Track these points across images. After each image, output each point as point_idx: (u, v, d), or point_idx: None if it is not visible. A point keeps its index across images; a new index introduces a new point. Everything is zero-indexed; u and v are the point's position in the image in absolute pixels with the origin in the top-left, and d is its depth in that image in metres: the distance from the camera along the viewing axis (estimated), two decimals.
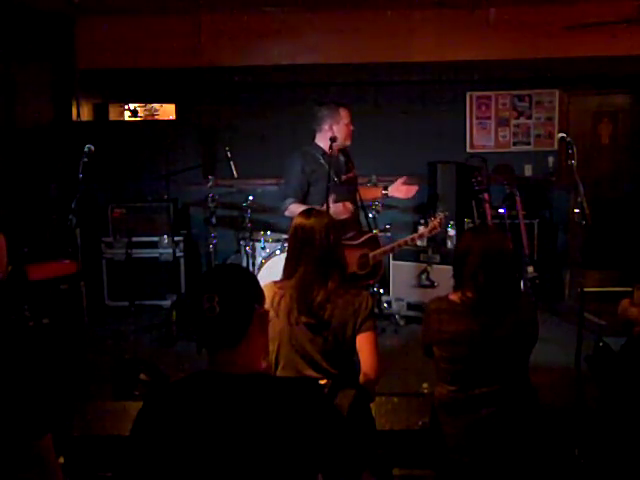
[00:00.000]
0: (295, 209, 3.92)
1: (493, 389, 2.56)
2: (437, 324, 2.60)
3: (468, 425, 2.57)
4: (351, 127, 4.26)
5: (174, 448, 1.59)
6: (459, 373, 2.59)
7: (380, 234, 5.38)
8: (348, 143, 4.30)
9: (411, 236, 4.49)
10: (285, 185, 4.29)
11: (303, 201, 4.14)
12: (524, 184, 6.24)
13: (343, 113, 4.22)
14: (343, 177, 4.27)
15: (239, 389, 1.62)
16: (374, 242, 4.26)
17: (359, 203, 4.45)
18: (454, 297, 2.63)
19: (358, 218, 4.44)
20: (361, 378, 2.57)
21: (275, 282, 2.69)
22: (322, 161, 4.17)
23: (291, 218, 3.64)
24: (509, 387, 2.57)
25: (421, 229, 4.90)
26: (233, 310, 1.65)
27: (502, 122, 6.94)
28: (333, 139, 4.11)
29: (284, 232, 4.66)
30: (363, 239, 4.18)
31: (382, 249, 4.23)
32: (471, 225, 5.82)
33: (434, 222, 4.34)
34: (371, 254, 4.12)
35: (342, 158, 4.33)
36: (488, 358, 2.55)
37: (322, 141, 4.24)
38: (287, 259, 2.70)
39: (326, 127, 4.21)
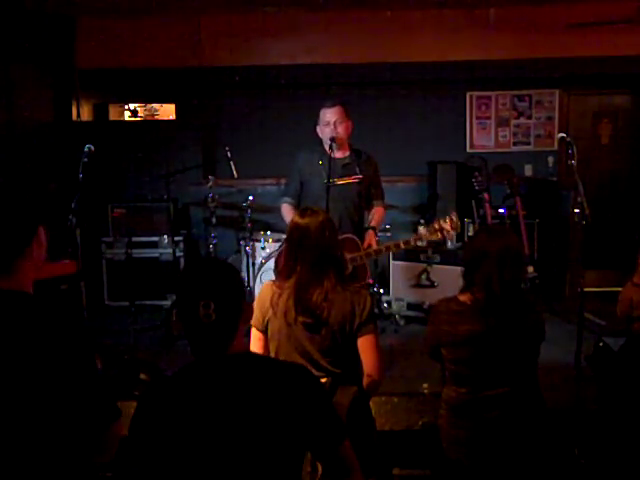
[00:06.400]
0: (284, 210, 4.24)
1: (501, 391, 2.54)
2: (447, 326, 2.57)
3: (475, 427, 2.55)
4: (332, 127, 4.07)
5: (174, 440, 1.60)
6: (468, 375, 2.57)
7: (380, 234, 5.38)
8: (335, 141, 4.03)
9: (405, 239, 4.01)
10: (286, 181, 4.52)
11: (299, 201, 4.23)
12: (524, 184, 6.25)
13: (322, 114, 4.15)
14: (337, 181, 4.06)
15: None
16: (351, 244, 3.97)
17: (352, 210, 4.20)
18: (464, 298, 2.59)
19: (354, 227, 4.20)
20: (365, 380, 2.58)
21: (274, 282, 2.69)
22: (320, 161, 4.13)
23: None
24: (517, 389, 2.56)
25: (421, 229, 4.45)
26: (228, 316, 1.66)
27: (502, 122, 6.94)
28: (332, 139, 4.04)
29: (284, 232, 4.59)
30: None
31: (361, 252, 3.92)
32: (472, 224, 5.82)
33: (443, 224, 3.84)
34: (349, 256, 3.80)
35: (347, 161, 4.19)
36: (497, 360, 2.53)
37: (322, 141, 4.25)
38: (285, 259, 2.69)
39: (317, 128, 4.22)
